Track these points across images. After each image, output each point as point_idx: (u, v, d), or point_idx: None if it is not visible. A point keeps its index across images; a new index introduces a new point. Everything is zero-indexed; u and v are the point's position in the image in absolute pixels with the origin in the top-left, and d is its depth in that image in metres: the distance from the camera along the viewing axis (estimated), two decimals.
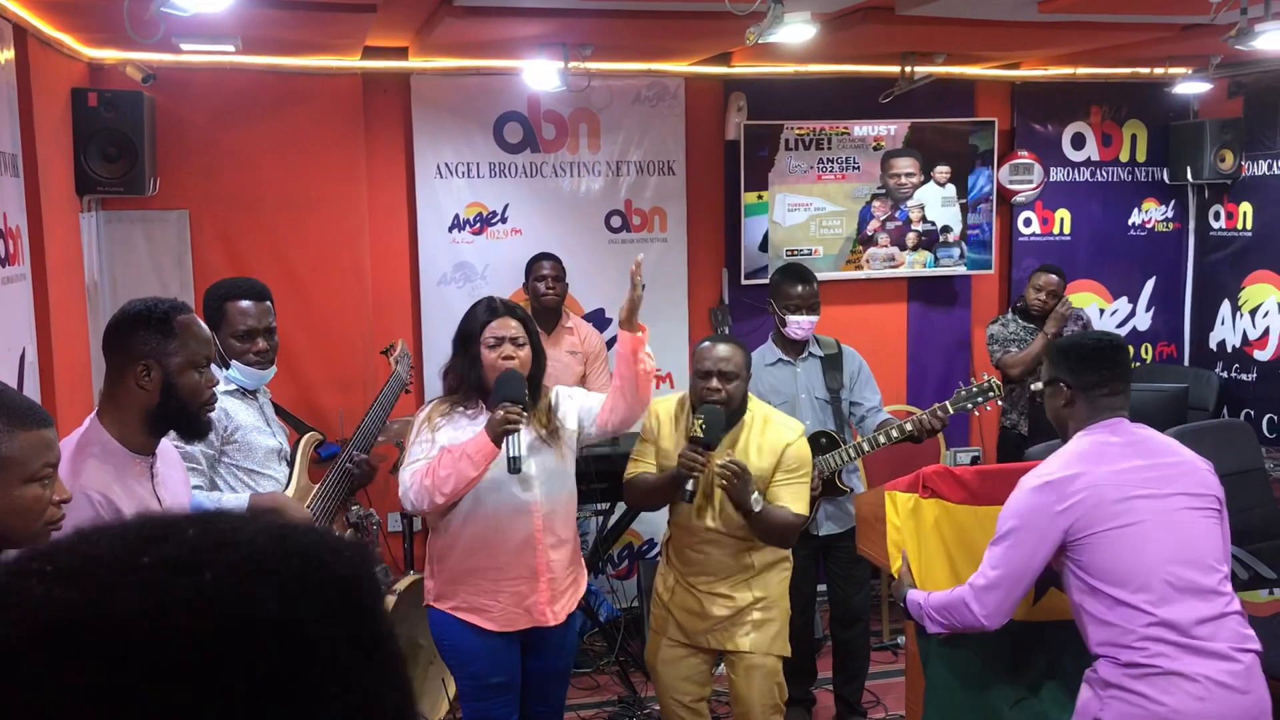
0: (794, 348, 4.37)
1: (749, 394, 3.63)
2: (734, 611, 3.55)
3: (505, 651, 3.29)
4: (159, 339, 2.39)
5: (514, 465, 3.07)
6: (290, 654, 0.58)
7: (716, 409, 3.42)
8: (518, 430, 3.06)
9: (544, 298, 5.01)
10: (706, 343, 3.58)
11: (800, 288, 4.31)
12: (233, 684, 0.56)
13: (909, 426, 4.07)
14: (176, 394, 2.40)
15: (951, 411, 4.10)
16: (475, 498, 3.19)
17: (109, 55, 4.77)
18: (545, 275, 5.02)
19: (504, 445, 3.06)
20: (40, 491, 1.91)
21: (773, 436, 3.52)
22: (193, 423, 2.47)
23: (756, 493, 3.37)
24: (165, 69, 4.94)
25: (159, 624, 0.56)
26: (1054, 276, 5.53)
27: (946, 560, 2.98)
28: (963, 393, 4.17)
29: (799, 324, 4.30)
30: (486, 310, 3.27)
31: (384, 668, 0.64)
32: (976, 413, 4.27)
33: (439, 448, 3.16)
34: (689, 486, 3.36)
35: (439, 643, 3.39)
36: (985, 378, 4.25)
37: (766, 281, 5.78)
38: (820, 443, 4.19)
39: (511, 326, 3.22)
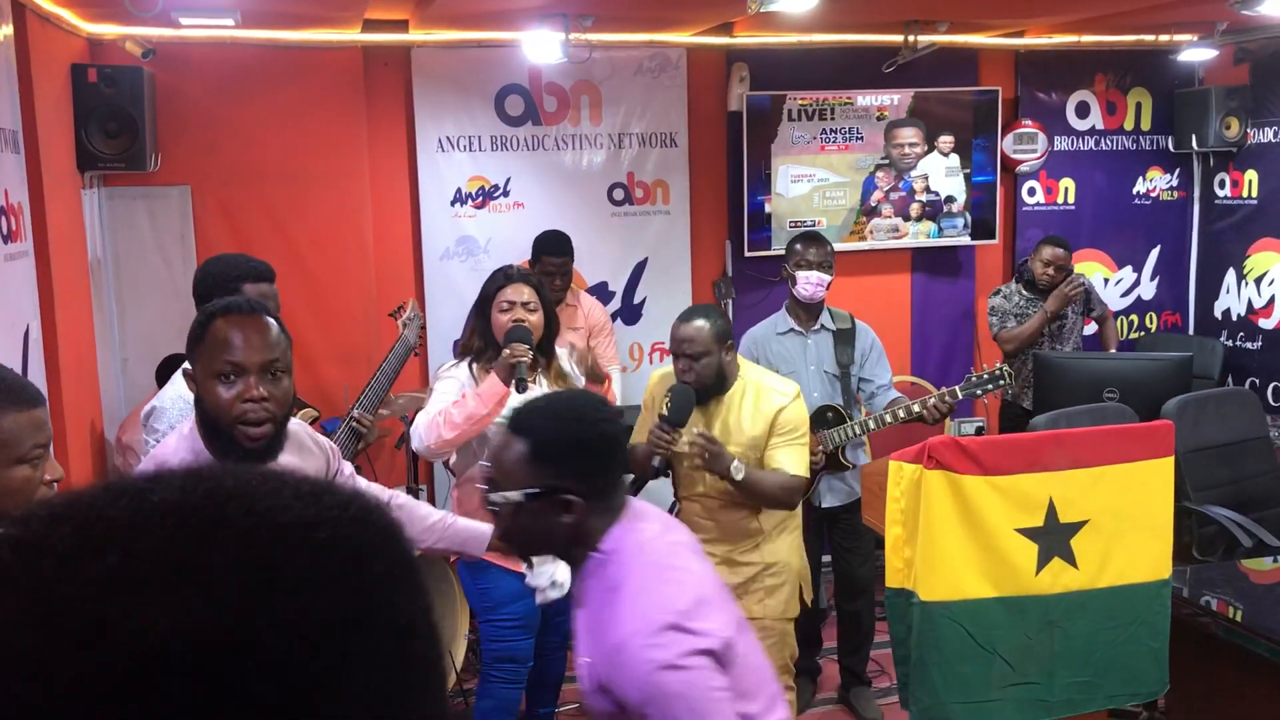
0: (807, 318, 4.35)
1: (742, 361, 3.64)
2: (744, 579, 3.57)
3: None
4: (193, 343, 2.23)
5: (520, 386, 3.31)
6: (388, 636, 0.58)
7: (685, 388, 3.47)
8: (525, 360, 3.33)
9: (550, 291, 4.96)
10: (678, 320, 3.56)
11: (813, 247, 4.30)
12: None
13: (916, 408, 4.05)
14: (202, 405, 2.21)
15: (960, 396, 4.06)
16: None
17: (108, 30, 4.74)
18: (551, 273, 4.89)
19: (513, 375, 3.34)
20: (30, 472, 1.87)
21: (765, 403, 3.52)
22: (223, 442, 2.18)
23: (735, 461, 3.37)
24: (165, 44, 4.91)
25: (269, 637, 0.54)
26: (1060, 250, 5.46)
27: (953, 533, 2.98)
28: (973, 378, 4.13)
29: (808, 279, 4.26)
30: (501, 277, 3.56)
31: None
32: (985, 400, 4.25)
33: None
34: (655, 463, 3.53)
35: (480, 586, 3.54)
36: (997, 365, 4.22)
37: (770, 253, 5.80)
38: (826, 417, 4.18)
39: (524, 293, 3.49)
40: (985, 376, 4.12)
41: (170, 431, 2.45)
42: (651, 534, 1.98)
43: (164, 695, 0.51)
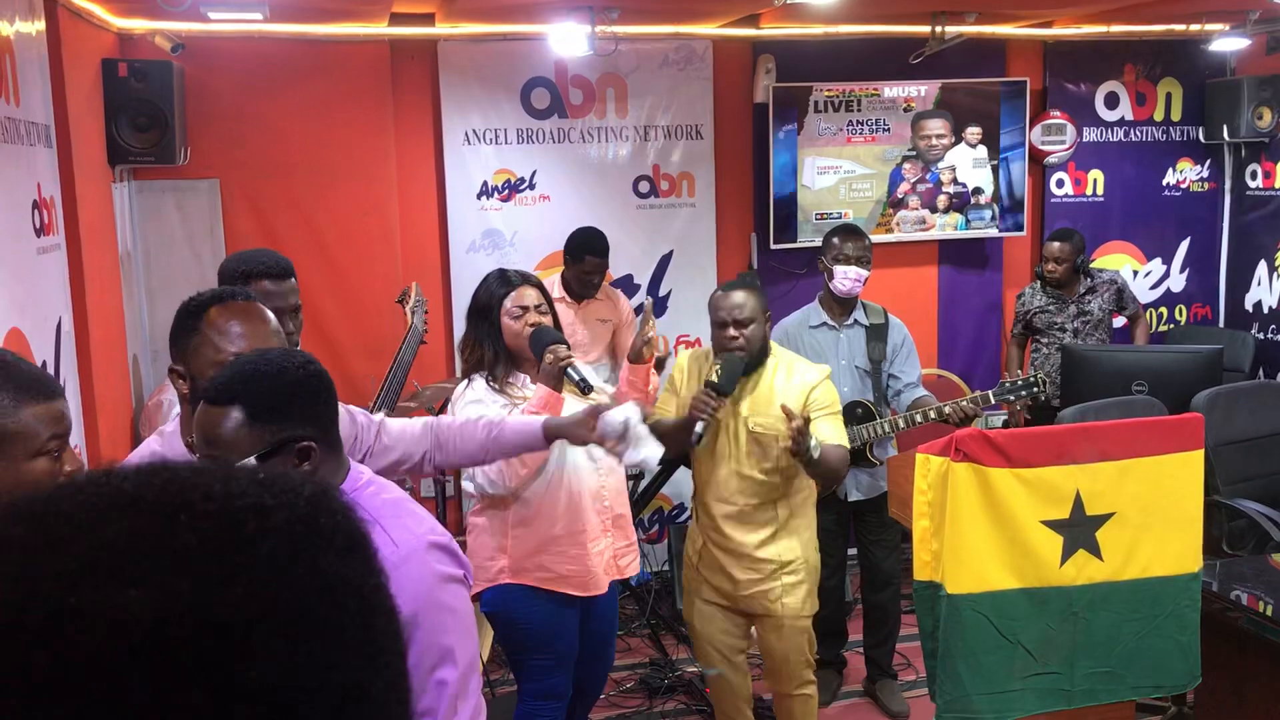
0: (840, 312, 4.33)
1: (772, 342, 3.65)
2: (764, 575, 3.57)
3: (575, 620, 3.32)
4: (186, 336, 2.11)
5: (585, 387, 3.08)
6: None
7: (736, 357, 3.45)
8: (571, 363, 3.08)
9: (588, 288, 4.96)
10: (719, 291, 3.59)
11: (851, 241, 4.28)
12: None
13: (947, 410, 4.02)
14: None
15: (993, 402, 4.02)
16: (556, 460, 3.19)
17: (138, 25, 4.79)
18: (591, 272, 4.90)
19: (566, 379, 3.08)
20: (49, 465, 1.81)
21: (798, 379, 3.54)
22: None
23: (813, 441, 3.38)
24: (194, 38, 4.95)
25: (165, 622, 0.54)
26: (1058, 244, 5.47)
27: (980, 525, 2.97)
28: (1006, 384, 4.06)
29: (845, 274, 4.24)
30: (502, 282, 3.26)
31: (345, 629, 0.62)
32: (1019, 406, 4.16)
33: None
34: (698, 429, 3.41)
35: (514, 621, 3.26)
36: (1032, 372, 4.17)
37: (795, 246, 5.79)
38: (856, 413, 4.16)
39: (531, 296, 3.23)
40: (1019, 384, 4.03)
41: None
42: (375, 478, 2.02)
43: (131, 678, 0.52)
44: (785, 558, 3.56)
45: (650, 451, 2.77)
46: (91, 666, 0.52)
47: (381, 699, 0.63)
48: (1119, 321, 5.82)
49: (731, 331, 3.48)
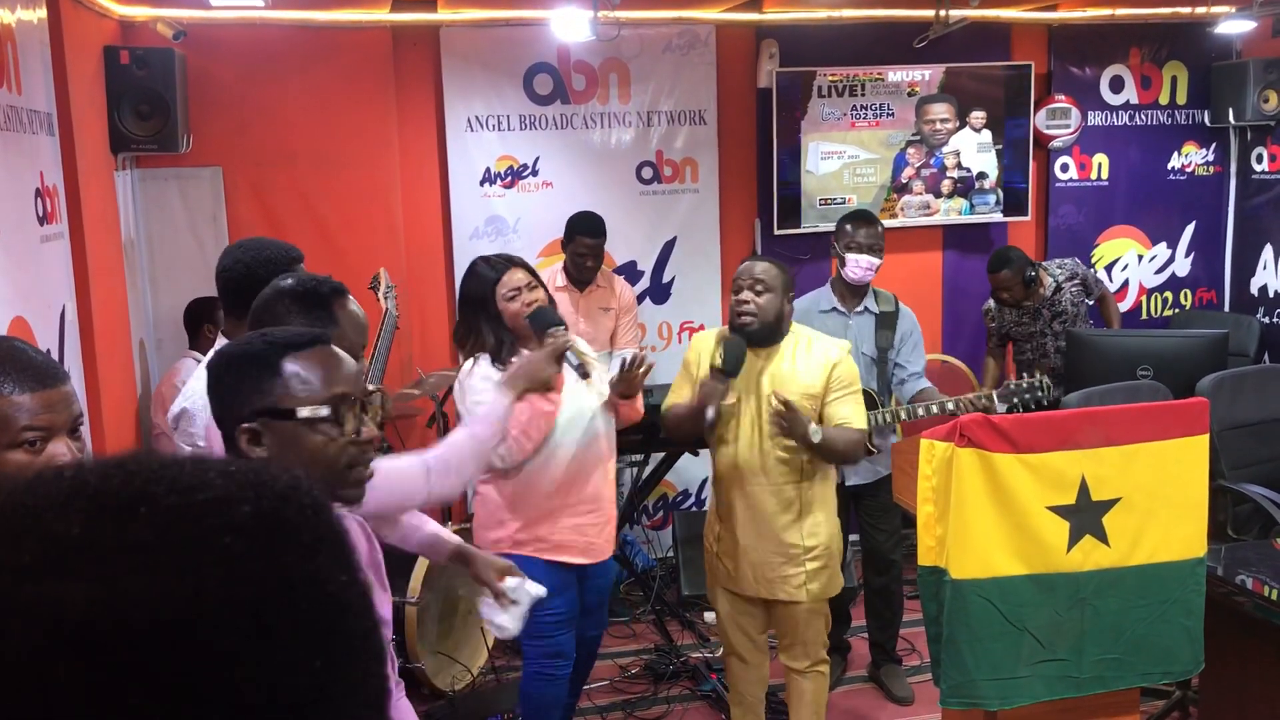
0: (851, 298, 4.32)
1: (793, 321, 3.63)
2: (786, 561, 3.55)
3: (574, 582, 3.44)
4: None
5: (582, 372, 3.17)
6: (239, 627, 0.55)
7: (738, 339, 3.45)
8: (570, 346, 3.13)
9: (583, 271, 4.99)
10: (746, 261, 3.60)
11: (864, 229, 4.27)
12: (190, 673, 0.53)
13: (951, 406, 4.01)
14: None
15: (997, 405, 4.00)
16: (560, 434, 3.31)
17: (140, 12, 4.77)
18: (584, 254, 4.94)
19: (565, 363, 3.13)
20: (24, 458, 1.71)
21: (819, 354, 3.52)
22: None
23: (811, 424, 3.37)
24: (195, 25, 4.94)
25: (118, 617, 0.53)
26: (1003, 274, 5.21)
27: (984, 511, 2.96)
28: (1011, 385, 4.07)
29: (857, 263, 4.24)
30: (490, 268, 3.34)
31: (332, 628, 0.60)
32: (1021, 409, 4.13)
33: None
34: (709, 415, 3.42)
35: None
36: (1038, 376, 4.16)
37: (799, 231, 5.78)
38: None
39: (519, 276, 3.31)
40: (1024, 387, 4.06)
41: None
42: None
43: (73, 675, 0.51)
44: (809, 542, 3.54)
45: (508, 622, 2.67)
46: (25, 663, 0.51)
47: (345, 702, 0.60)
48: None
49: (745, 295, 3.46)
